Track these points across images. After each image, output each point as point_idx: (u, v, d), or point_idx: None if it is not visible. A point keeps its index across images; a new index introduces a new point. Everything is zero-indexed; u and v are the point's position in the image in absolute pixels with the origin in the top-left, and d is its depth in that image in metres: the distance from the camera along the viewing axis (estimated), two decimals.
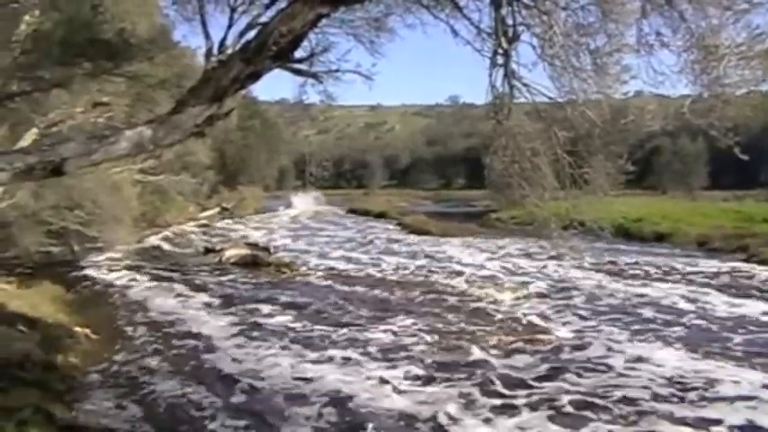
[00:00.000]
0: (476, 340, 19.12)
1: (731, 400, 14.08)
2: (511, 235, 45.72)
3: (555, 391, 14.82)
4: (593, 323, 21.02)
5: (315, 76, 9.23)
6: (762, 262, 32.05)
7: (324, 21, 8.39)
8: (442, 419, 13.25)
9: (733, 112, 7.64)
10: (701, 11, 7.39)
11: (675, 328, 20.19)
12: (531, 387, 15.19)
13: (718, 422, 12.99)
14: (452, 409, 13.75)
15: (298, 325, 21.07)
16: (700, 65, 7.55)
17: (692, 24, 7.47)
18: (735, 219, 45.81)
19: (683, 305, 23.27)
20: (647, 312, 22.18)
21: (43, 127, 22.37)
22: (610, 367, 16.48)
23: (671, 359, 16.92)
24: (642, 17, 7.72)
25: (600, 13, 7.76)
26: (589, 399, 14.26)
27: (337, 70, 9.45)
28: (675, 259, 34.43)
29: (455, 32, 8.80)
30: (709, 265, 32.23)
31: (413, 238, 48.84)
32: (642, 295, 25.02)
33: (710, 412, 13.42)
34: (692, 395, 14.42)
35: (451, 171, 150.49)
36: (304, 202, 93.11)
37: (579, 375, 15.87)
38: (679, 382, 15.19)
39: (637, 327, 20.42)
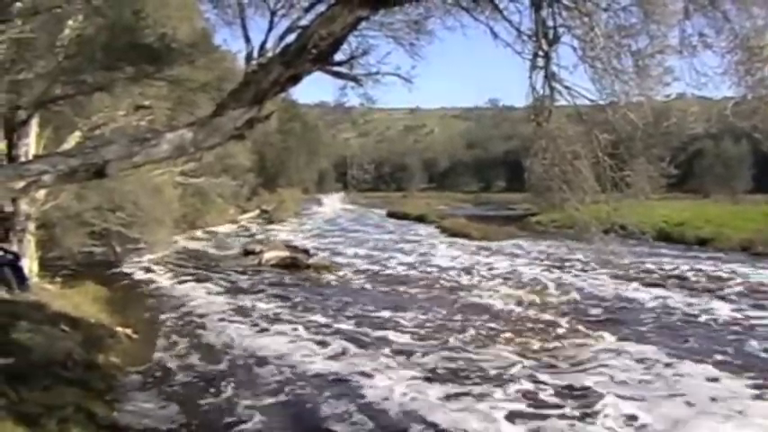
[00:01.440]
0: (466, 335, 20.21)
1: None
2: (550, 238, 45.41)
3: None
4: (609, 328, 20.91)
5: (355, 78, 9.24)
6: None
7: (363, 23, 8.40)
8: None
9: None
10: (746, 11, 7.28)
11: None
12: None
13: None
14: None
15: (343, 327, 21.23)
16: (744, 66, 7.44)
17: (736, 25, 7.36)
18: None
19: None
20: (694, 329, 21.74)
21: (86, 130, 22.68)
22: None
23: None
24: (685, 18, 7.63)
25: (642, 14, 7.67)
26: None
27: (377, 73, 9.45)
28: (717, 265, 33.94)
29: (495, 35, 8.76)
30: (753, 271, 31.69)
31: (452, 241, 48.71)
32: (689, 305, 24.56)
33: None
34: None
35: (491, 174, 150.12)
36: (332, 202, 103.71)
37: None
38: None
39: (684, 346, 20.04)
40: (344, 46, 8.57)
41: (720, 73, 7.61)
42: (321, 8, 8.19)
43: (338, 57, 8.57)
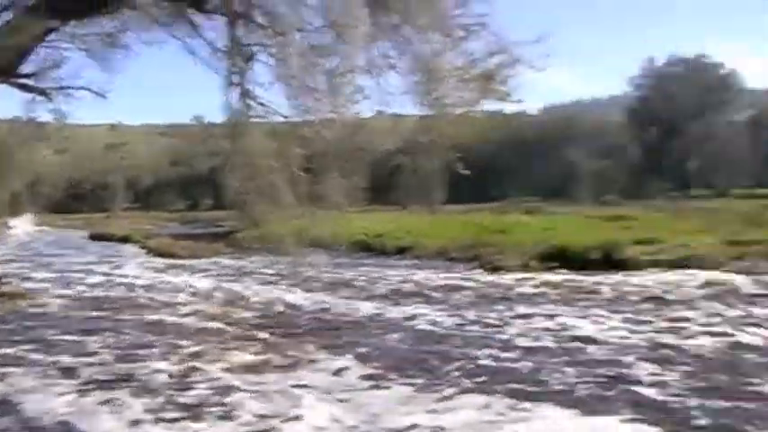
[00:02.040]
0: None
1: None
2: (254, 254, 45.64)
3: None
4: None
5: (43, 92, 8.86)
6: (493, 269, 34.02)
7: (53, 35, 8.08)
8: None
9: (453, 130, 8.21)
10: (424, 36, 7.88)
11: None
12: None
13: None
14: None
15: (26, 354, 20.05)
16: (424, 86, 8.05)
17: (416, 48, 7.95)
18: (472, 231, 48.11)
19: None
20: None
21: None
22: None
23: None
24: (372, 40, 8.10)
25: (333, 35, 8.05)
26: None
27: (68, 87, 9.12)
28: (408, 270, 35.90)
29: (191, 51, 8.78)
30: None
31: (157, 260, 47.52)
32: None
33: None
34: None
35: (198, 192, 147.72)
36: (27, 225, 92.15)
37: None
38: None
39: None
40: (33, 57, 8.20)
41: (403, 92, 8.18)
42: (7, 17, 7.79)
43: (26, 68, 8.19)
